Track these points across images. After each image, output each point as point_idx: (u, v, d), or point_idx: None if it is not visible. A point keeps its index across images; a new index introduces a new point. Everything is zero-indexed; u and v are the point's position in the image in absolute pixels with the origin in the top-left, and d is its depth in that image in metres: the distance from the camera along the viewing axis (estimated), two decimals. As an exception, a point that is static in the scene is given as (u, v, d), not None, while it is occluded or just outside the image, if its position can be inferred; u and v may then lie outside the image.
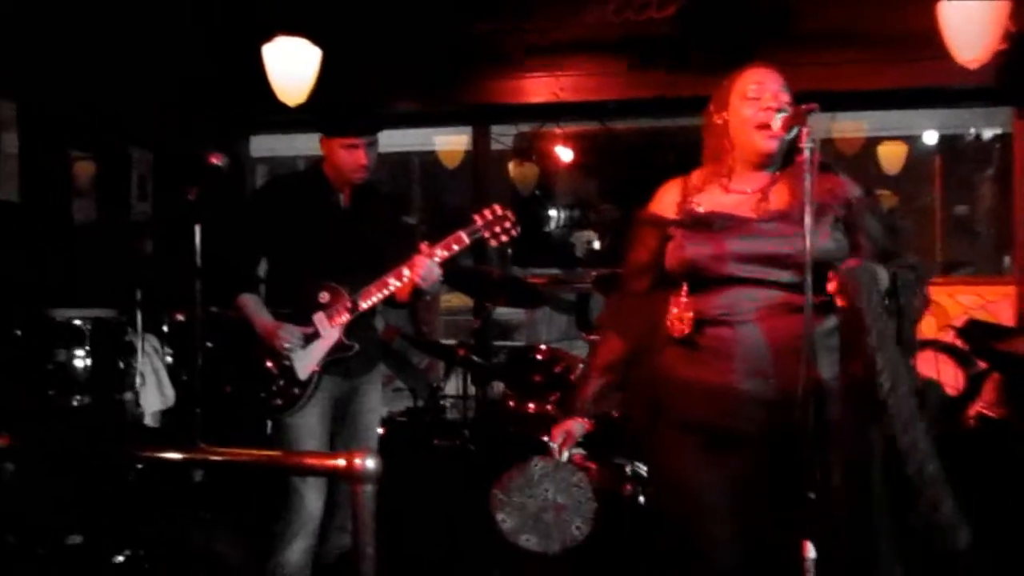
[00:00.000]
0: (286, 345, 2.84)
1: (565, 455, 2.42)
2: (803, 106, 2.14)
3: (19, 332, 3.31)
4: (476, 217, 2.85)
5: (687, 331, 2.18)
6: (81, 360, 3.36)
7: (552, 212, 8.33)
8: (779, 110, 2.19)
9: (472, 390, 4.10)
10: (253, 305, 2.91)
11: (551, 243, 8.24)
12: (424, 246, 2.82)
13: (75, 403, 3.31)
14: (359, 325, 2.91)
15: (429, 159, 7.32)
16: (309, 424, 2.88)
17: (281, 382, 2.87)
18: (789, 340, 2.07)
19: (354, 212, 3.01)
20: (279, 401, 2.86)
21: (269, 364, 2.88)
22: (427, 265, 2.78)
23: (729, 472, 2.15)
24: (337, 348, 2.88)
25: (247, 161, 5.81)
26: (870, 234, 2.19)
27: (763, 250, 2.12)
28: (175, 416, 3.77)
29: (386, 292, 2.84)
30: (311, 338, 2.88)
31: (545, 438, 3.40)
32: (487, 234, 2.84)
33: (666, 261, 2.25)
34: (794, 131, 2.17)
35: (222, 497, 3.60)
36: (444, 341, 6.91)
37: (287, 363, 2.86)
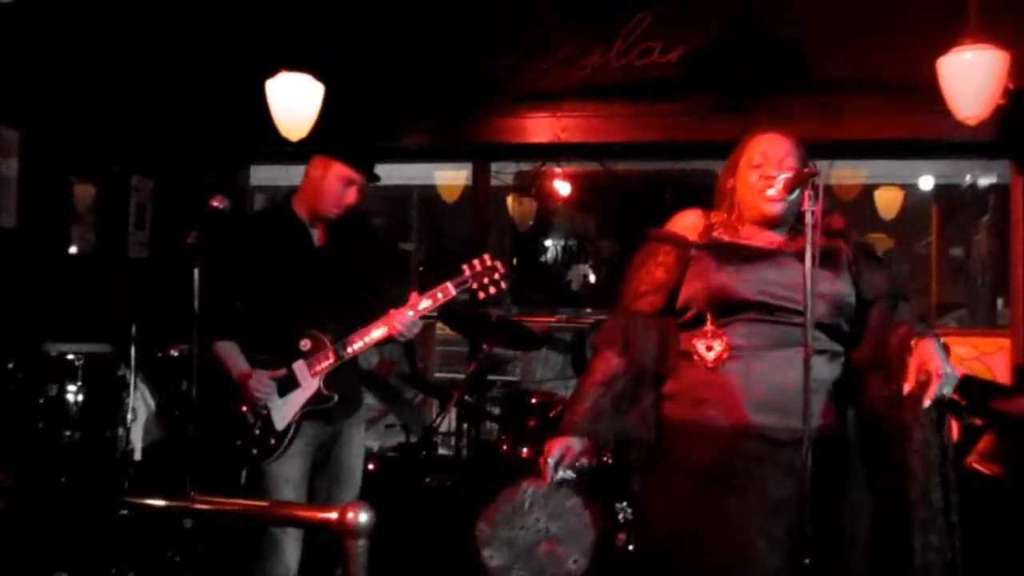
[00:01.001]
0: (257, 395, 2.75)
1: (560, 474, 2.26)
2: (805, 170, 2.16)
3: (11, 365, 3.29)
4: (465, 268, 2.78)
5: (724, 356, 2.15)
6: (73, 395, 3.34)
7: (549, 246, 8.35)
8: (782, 173, 2.22)
9: (465, 425, 4.08)
10: (229, 352, 2.82)
11: (548, 277, 8.24)
12: (413, 295, 2.76)
13: (66, 438, 3.28)
14: (340, 372, 2.84)
15: (429, 192, 7.34)
16: (286, 472, 2.80)
17: (258, 431, 2.79)
18: (801, 380, 2.05)
19: (330, 250, 2.92)
20: (255, 450, 2.79)
21: (246, 411, 2.81)
22: (406, 321, 2.74)
23: (728, 516, 2.12)
24: (316, 399, 2.80)
25: (247, 190, 5.80)
26: (869, 282, 2.25)
27: (791, 279, 2.11)
28: (165, 451, 3.74)
29: (368, 341, 2.78)
30: (289, 387, 2.80)
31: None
32: (475, 285, 2.76)
33: (687, 288, 2.23)
34: (795, 193, 2.20)
35: (209, 534, 3.55)
36: (439, 374, 6.94)
37: (264, 412, 2.78)
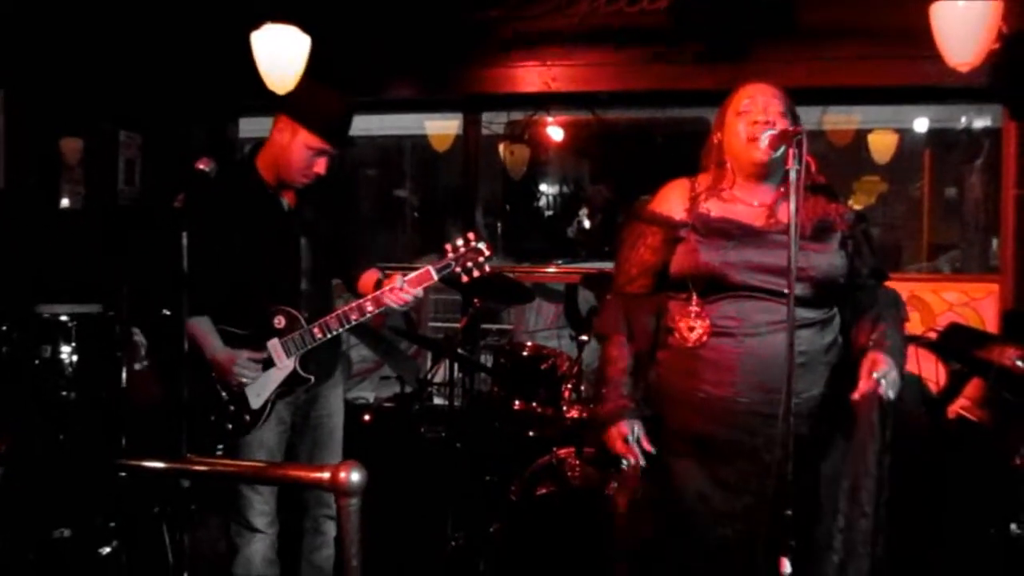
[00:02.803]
0: (243, 380, 2.67)
1: (643, 453, 2.25)
2: (789, 129, 2.16)
3: (4, 327, 3.31)
4: (448, 248, 2.67)
5: (704, 340, 2.18)
6: (67, 356, 3.36)
7: (543, 194, 8.33)
8: (767, 123, 2.21)
9: (459, 374, 4.12)
10: (202, 329, 2.68)
11: (541, 224, 8.25)
12: (398, 276, 2.67)
13: (62, 398, 3.31)
14: (316, 349, 2.74)
15: (420, 142, 7.30)
16: (261, 438, 2.74)
17: (232, 408, 2.71)
18: (793, 354, 2.10)
19: (300, 214, 2.77)
20: (230, 426, 2.71)
21: (220, 389, 2.71)
22: (396, 300, 2.63)
23: (722, 482, 2.20)
24: (292, 379, 2.72)
25: (236, 142, 5.77)
26: (864, 258, 2.29)
27: (776, 261, 2.13)
28: (161, 410, 3.77)
29: (347, 326, 2.68)
30: (264, 366, 2.71)
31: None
32: (459, 268, 2.66)
33: (675, 265, 2.25)
34: (780, 151, 2.20)
35: (208, 489, 3.62)
36: (433, 323, 6.99)
37: (238, 390, 2.70)
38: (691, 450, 2.24)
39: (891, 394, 2.07)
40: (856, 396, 2.10)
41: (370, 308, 2.66)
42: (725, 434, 2.18)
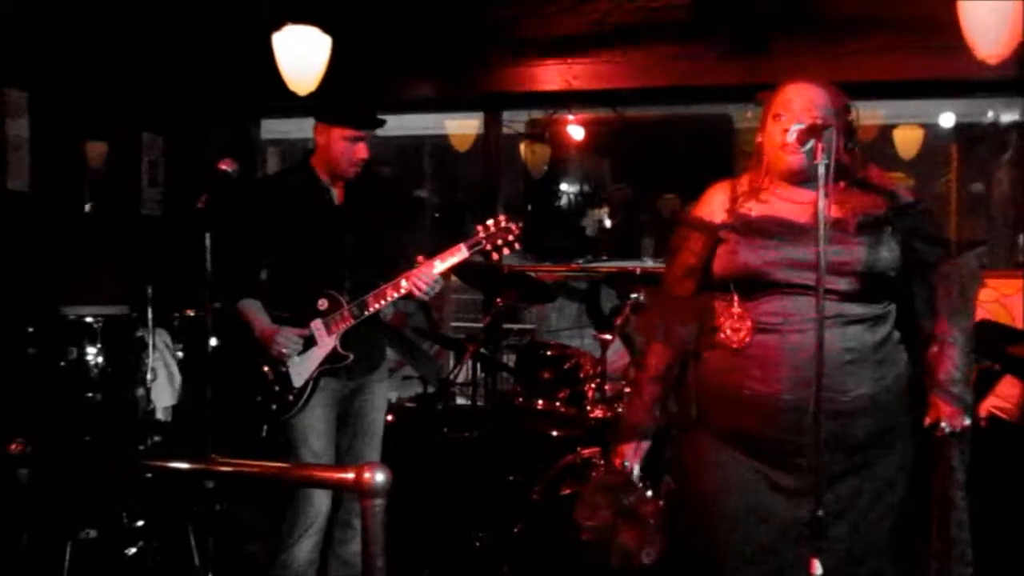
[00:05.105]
0: (284, 351, 2.84)
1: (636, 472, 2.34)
2: (818, 123, 2.12)
3: (30, 330, 3.33)
4: (479, 228, 2.80)
5: (747, 340, 2.16)
6: (93, 357, 3.39)
7: (563, 192, 8.29)
8: (797, 123, 2.18)
9: (482, 374, 4.11)
10: (253, 309, 2.90)
11: (562, 223, 8.21)
12: (421, 258, 2.79)
13: (87, 399, 3.33)
14: (359, 331, 2.90)
15: (440, 142, 7.28)
16: (310, 422, 2.89)
17: (277, 387, 2.88)
18: (840, 351, 2.08)
19: (349, 209, 2.97)
20: (274, 406, 2.88)
21: (266, 369, 2.90)
22: (428, 283, 2.76)
23: (764, 482, 2.16)
24: (332, 357, 2.88)
25: (258, 143, 5.79)
26: (922, 242, 2.21)
27: (816, 259, 2.07)
28: (186, 410, 3.79)
29: (384, 303, 2.83)
30: (307, 345, 2.88)
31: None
32: (489, 246, 2.78)
33: (717, 265, 2.24)
34: (809, 144, 2.16)
35: (235, 488, 3.62)
36: (455, 323, 6.97)
37: (283, 369, 2.88)
38: (732, 449, 2.20)
39: (966, 422, 2.06)
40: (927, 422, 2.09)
41: (404, 285, 2.78)
42: (770, 432, 2.15)
